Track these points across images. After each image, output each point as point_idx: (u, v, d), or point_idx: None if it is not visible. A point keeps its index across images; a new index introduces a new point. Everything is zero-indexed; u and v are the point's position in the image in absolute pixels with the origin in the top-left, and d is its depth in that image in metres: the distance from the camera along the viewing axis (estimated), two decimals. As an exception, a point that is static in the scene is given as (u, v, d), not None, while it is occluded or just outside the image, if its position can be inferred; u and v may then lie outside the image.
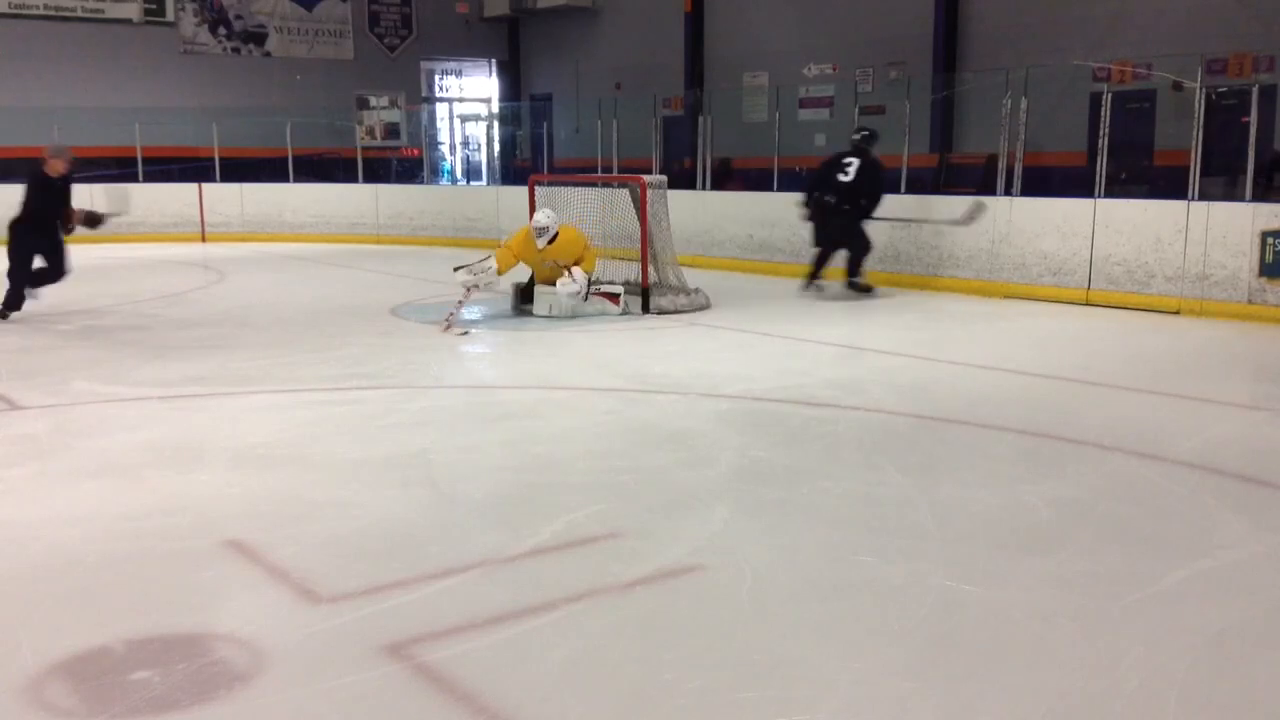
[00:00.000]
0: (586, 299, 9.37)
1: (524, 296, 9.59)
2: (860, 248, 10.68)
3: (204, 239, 17.74)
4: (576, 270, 9.25)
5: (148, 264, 14.38)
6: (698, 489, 4.65)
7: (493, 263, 9.16)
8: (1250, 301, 9.07)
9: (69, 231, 9.50)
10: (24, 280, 9.42)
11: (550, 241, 9.23)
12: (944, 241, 11.15)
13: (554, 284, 9.30)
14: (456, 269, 9.32)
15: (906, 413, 6.01)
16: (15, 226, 9.33)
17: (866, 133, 10.79)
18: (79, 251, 15.22)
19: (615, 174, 13.83)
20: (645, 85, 18.49)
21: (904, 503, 4.45)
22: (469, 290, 9.14)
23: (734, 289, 11.19)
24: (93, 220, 9.55)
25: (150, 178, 18.18)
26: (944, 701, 2.88)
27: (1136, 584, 3.61)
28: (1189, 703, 2.87)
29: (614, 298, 9.66)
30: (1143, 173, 13.43)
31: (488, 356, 8.24)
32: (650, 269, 9.93)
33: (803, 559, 3.88)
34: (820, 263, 10.88)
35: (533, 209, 10.58)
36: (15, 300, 9.40)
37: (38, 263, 9.37)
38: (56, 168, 9.43)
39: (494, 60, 24.88)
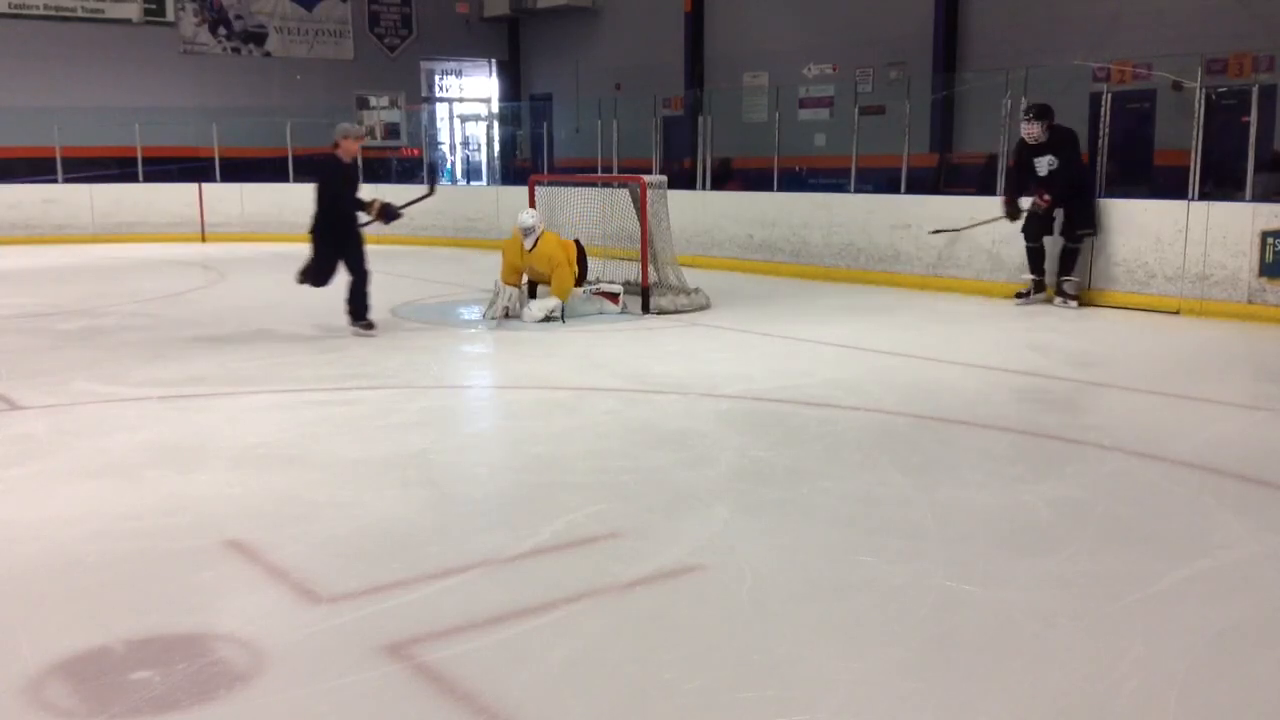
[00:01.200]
0: (562, 318, 9.18)
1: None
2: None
3: (204, 239, 17.74)
4: (549, 301, 9.15)
5: (148, 264, 14.38)
6: (698, 489, 4.65)
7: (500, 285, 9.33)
8: (1250, 301, 9.06)
9: (367, 223, 8.54)
10: (319, 280, 8.51)
11: (535, 244, 9.11)
12: (944, 241, 11.15)
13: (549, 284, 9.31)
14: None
15: (906, 413, 6.01)
16: (316, 226, 8.38)
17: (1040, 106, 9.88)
18: (82, 252, 15.20)
19: (615, 174, 13.83)
20: (645, 85, 18.48)
21: (904, 503, 4.45)
22: (505, 310, 9.21)
23: (734, 289, 11.19)
24: (390, 214, 8.55)
25: (150, 178, 18.18)
26: (944, 701, 2.88)
27: (1136, 584, 3.61)
28: (1189, 703, 2.87)
29: (614, 297, 9.67)
30: (1143, 173, 13.42)
31: (488, 357, 8.24)
32: (650, 269, 9.93)
33: (803, 559, 3.88)
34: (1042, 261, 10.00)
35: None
36: (360, 308, 8.42)
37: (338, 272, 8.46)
38: (351, 149, 8.34)
39: (494, 60, 24.88)
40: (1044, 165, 9.68)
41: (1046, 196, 9.64)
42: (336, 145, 8.32)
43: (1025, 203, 9.92)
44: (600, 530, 4.15)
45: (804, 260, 12.58)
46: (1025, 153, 9.80)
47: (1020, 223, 9.97)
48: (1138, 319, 9.22)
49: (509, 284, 9.28)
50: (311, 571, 3.73)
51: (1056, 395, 6.58)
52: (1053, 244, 9.99)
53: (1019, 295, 10.06)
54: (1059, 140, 9.66)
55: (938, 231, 11.00)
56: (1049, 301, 9.94)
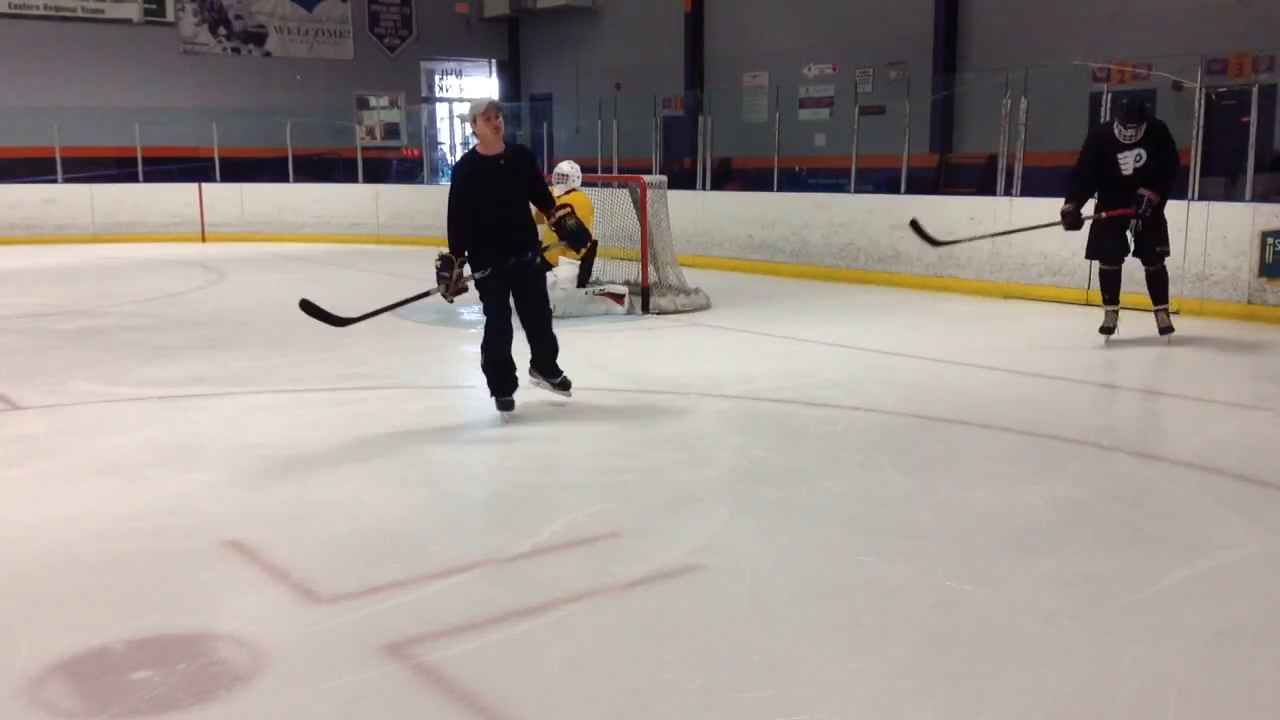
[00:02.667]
0: (586, 287, 9.46)
1: None
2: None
3: (204, 239, 17.74)
4: (564, 265, 9.37)
5: (148, 264, 14.37)
6: (698, 489, 4.65)
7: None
8: (1250, 301, 9.06)
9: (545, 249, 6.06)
10: (503, 346, 5.83)
11: (566, 194, 9.39)
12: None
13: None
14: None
15: (906, 413, 6.01)
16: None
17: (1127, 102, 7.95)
18: (82, 252, 15.15)
19: (615, 174, 13.83)
20: (645, 85, 18.48)
21: (904, 503, 4.45)
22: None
23: (734, 289, 11.19)
24: (573, 234, 5.96)
25: (150, 178, 18.18)
26: (944, 701, 2.88)
27: (1136, 584, 3.61)
28: (1189, 703, 2.87)
29: (619, 298, 9.69)
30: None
31: (488, 356, 8.24)
32: (650, 269, 9.94)
33: (803, 559, 3.88)
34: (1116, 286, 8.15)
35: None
36: (503, 383, 5.90)
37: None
38: (485, 135, 5.61)
39: (494, 60, 24.89)
40: (1130, 162, 7.70)
41: (1154, 195, 7.67)
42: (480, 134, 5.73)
43: (1087, 209, 8.00)
44: (600, 530, 4.15)
45: (804, 260, 12.58)
46: (1105, 146, 7.80)
47: (1085, 239, 8.16)
48: (1138, 319, 9.22)
49: None
50: (311, 571, 3.73)
51: (1057, 395, 6.57)
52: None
53: (1106, 330, 8.07)
54: (1150, 131, 7.72)
55: (949, 243, 9.21)
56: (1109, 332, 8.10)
